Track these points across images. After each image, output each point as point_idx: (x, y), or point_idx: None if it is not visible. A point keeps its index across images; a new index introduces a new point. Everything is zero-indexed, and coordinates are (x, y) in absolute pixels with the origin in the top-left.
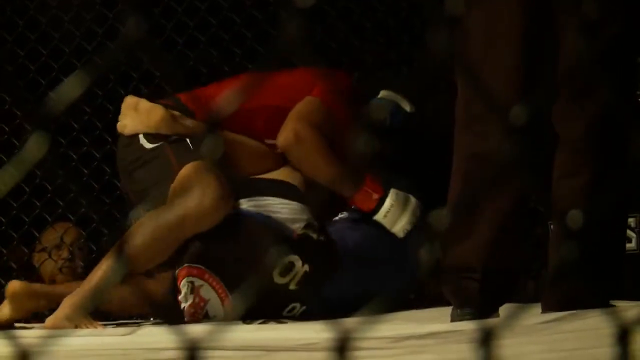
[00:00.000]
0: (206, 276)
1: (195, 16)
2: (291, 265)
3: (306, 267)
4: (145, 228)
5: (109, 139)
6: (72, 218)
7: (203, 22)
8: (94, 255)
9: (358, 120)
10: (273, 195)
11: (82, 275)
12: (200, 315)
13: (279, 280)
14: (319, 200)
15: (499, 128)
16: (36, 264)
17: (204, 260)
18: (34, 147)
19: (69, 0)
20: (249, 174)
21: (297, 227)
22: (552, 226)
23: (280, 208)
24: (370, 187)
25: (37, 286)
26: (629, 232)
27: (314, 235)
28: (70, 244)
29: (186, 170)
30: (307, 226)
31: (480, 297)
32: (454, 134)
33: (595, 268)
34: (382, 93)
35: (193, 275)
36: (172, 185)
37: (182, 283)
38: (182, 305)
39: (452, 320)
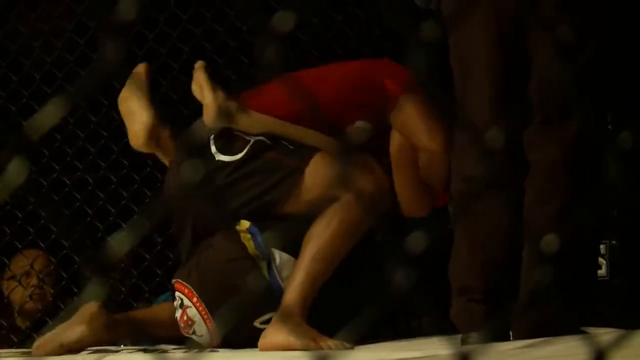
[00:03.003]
0: (194, 300)
1: (166, 44)
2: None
3: None
4: (333, 226)
5: (79, 166)
6: (42, 245)
7: (174, 50)
8: (63, 283)
9: None
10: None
11: (53, 303)
12: (189, 331)
13: (260, 326)
14: None
15: (477, 152)
16: (5, 292)
17: (201, 283)
18: (14, 172)
19: (39, 27)
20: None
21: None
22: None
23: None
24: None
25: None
26: (599, 259)
27: None
28: (40, 271)
29: (327, 164)
30: None
31: (486, 320)
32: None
33: (568, 294)
34: None
35: (183, 294)
36: (320, 182)
37: (176, 294)
38: (175, 313)
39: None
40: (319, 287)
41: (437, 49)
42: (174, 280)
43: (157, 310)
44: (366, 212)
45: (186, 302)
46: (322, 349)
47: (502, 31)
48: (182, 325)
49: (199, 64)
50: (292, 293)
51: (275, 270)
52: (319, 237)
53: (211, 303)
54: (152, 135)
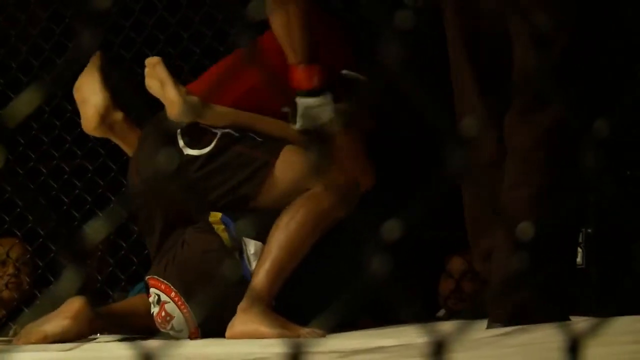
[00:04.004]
0: (172, 294)
1: (142, 32)
2: None
3: None
4: (299, 216)
5: (56, 155)
6: (18, 234)
7: (150, 38)
8: (39, 271)
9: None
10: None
11: (29, 291)
12: (166, 326)
13: None
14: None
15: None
16: None
17: (173, 277)
18: None
19: (15, 16)
20: None
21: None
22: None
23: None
24: (317, 71)
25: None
26: None
27: None
28: (16, 259)
29: (296, 156)
30: None
31: (484, 302)
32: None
33: (544, 282)
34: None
35: (160, 290)
36: (290, 175)
37: (150, 290)
38: (151, 310)
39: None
40: (286, 276)
41: (413, 39)
42: (148, 277)
43: (135, 301)
44: (334, 203)
45: (164, 297)
46: (292, 336)
47: (478, 22)
48: (159, 321)
49: (154, 60)
50: (258, 282)
51: (246, 259)
52: (286, 227)
53: (190, 296)
54: (104, 118)
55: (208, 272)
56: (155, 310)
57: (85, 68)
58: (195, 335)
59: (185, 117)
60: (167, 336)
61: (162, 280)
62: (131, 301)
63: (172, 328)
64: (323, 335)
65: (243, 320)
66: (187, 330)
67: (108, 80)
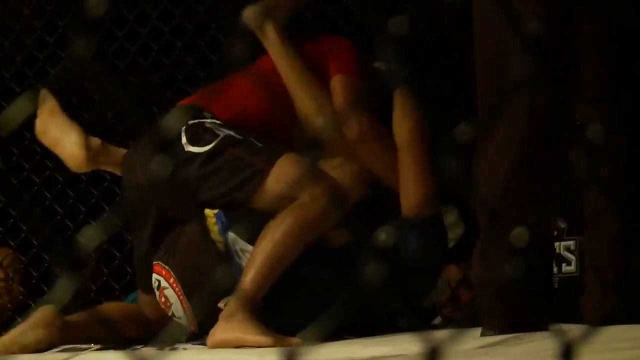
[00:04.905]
0: (171, 280)
1: (135, 42)
2: None
3: None
4: (285, 226)
5: (49, 164)
6: (12, 244)
7: (144, 47)
8: (33, 281)
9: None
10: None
11: (23, 301)
12: (168, 312)
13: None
14: None
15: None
16: None
17: (175, 265)
18: None
19: (9, 25)
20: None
21: None
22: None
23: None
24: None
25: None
26: (569, 255)
27: None
28: (6, 266)
29: (291, 167)
30: None
31: (473, 309)
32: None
33: (538, 289)
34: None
35: (161, 275)
36: (283, 185)
37: (154, 276)
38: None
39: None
40: (270, 284)
41: (408, 44)
42: (154, 263)
43: (108, 308)
44: (321, 213)
45: (163, 283)
46: (277, 344)
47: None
48: (162, 307)
49: None
50: (243, 289)
51: (234, 255)
52: (272, 235)
53: (186, 285)
54: (89, 151)
55: (198, 265)
56: (157, 295)
57: (39, 111)
58: (193, 325)
59: (259, 20)
60: (172, 320)
61: (164, 265)
62: (105, 308)
63: (173, 314)
64: (303, 344)
65: (225, 327)
66: (185, 318)
67: (67, 111)
